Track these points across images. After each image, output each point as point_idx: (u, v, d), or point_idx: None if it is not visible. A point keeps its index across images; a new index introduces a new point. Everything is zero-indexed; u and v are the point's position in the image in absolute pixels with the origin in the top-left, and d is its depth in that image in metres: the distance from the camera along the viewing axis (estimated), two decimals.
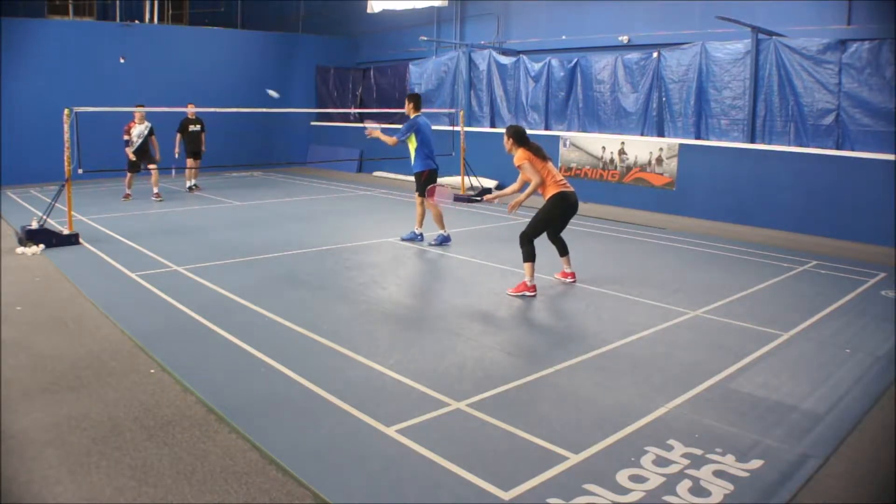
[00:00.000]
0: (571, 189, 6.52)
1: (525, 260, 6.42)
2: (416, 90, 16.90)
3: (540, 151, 6.47)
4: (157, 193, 12.36)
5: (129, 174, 12.25)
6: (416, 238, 8.75)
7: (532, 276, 6.41)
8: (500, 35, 15.88)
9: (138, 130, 11.99)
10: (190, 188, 13.71)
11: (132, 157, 11.93)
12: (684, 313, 6.00)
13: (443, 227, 8.60)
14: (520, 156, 6.37)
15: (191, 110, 13.12)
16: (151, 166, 12.20)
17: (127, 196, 12.28)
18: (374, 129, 8.60)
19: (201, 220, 10.60)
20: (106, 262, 7.61)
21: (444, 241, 8.64)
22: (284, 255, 8.08)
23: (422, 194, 8.45)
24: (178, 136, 13.20)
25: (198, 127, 13.38)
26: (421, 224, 8.77)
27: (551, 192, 6.41)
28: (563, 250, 6.87)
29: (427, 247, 8.61)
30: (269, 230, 9.76)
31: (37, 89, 14.63)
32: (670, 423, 3.88)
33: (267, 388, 4.29)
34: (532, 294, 6.39)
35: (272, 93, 11.29)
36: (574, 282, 6.87)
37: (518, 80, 14.83)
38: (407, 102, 8.64)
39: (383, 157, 15.92)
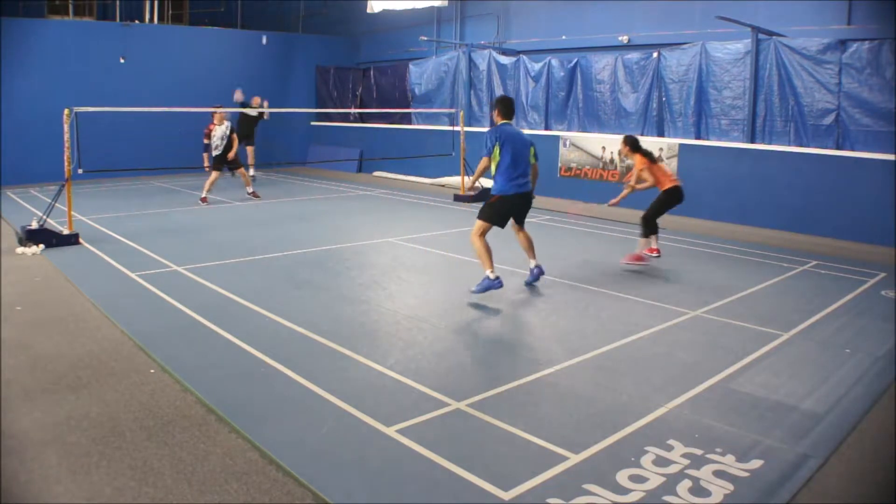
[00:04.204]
0: (680, 183, 7.81)
1: (644, 235, 7.75)
2: (417, 90, 16.87)
3: (651, 156, 7.77)
4: (253, 192, 12.63)
5: (214, 174, 12.00)
6: (493, 285, 6.27)
7: (643, 248, 7.79)
8: (500, 35, 15.87)
9: (220, 132, 11.87)
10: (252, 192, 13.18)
11: (210, 160, 11.86)
12: (684, 313, 6.00)
13: (533, 256, 6.86)
14: (639, 162, 7.68)
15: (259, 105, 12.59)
16: (240, 170, 12.39)
17: (205, 199, 12.00)
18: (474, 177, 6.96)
19: (201, 220, 10.60)
20: (106, 262, 7.61)
21: (540, 274, 6.84)
22: (284, 255, 8.08)
23: (482, 219, 6.49)
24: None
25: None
26: (490, 264, 6.32)
27: (668, 185, 7.69)
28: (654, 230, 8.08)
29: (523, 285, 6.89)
30: (270, 230, 9.76)
31: (37, 89, 14.61)
32: (670, 423, 3.88)
33: (267, 388, 4.29)
34: (648, 260, 7.73)
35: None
36: (658, 256, 7.79)
37: (518, 80, 14.80)
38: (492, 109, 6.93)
39: (383, 157, 15.93)
